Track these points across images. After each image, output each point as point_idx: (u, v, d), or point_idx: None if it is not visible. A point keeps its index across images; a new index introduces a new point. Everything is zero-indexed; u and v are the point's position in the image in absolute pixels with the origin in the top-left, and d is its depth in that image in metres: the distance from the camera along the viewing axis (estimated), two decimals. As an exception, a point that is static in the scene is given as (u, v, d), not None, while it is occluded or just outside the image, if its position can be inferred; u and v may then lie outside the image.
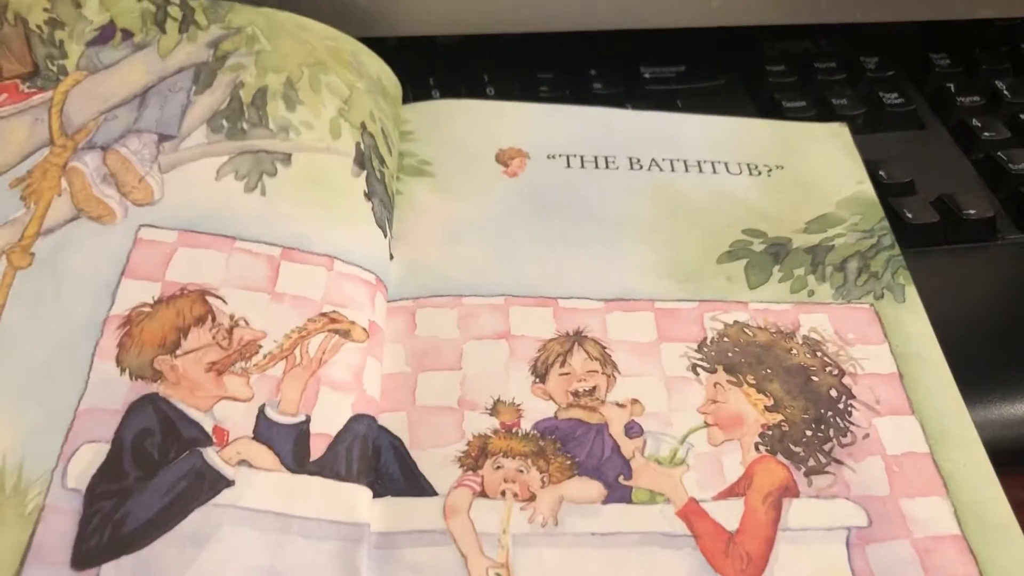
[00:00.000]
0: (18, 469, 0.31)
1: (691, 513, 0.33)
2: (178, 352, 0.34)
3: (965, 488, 0.34)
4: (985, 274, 0.45)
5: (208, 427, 0.33)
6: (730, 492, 0.34)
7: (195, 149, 0.39)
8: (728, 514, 0.33)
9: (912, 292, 0.41)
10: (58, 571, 0.29)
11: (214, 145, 0.39)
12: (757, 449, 0.36)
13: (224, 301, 0.36)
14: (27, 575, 0.29)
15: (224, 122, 0.40)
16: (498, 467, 0.34)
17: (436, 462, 0.35)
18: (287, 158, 0.40)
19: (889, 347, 0.39)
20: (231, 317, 0.35)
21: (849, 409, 0.37)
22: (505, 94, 0.53)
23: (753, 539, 0.33)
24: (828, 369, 0.38)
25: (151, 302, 0.35)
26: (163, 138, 0.39)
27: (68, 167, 0.38)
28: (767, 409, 0.37)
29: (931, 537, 0.33)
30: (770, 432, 0.36)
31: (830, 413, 0.37)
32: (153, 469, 0.31)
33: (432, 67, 0.54)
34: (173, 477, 0.31)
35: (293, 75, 0.42)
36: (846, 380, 0.38)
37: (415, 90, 0.51)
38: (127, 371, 0.33)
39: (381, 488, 0.33)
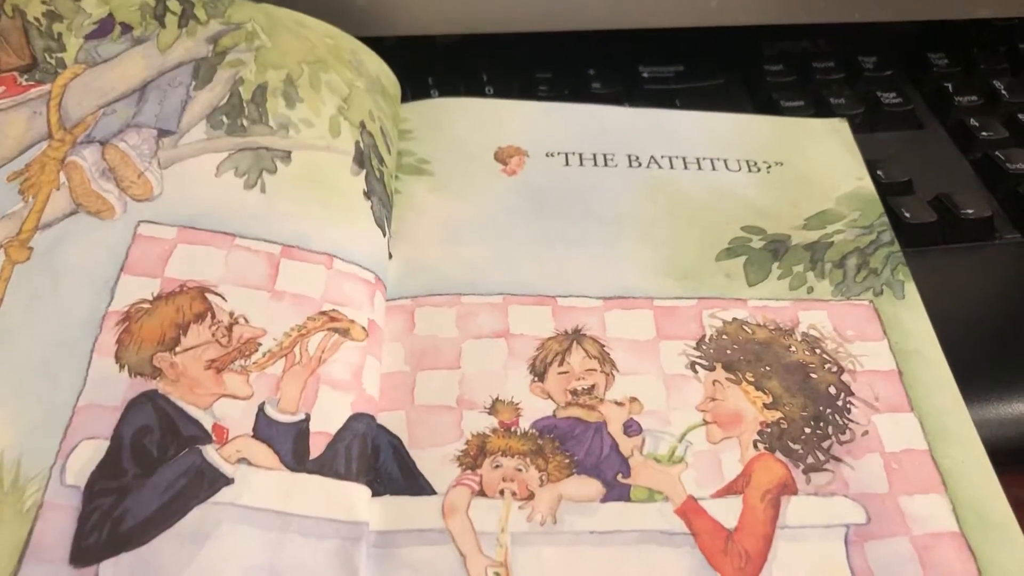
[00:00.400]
0: (16, 465, 0.30)
1: (689, 511, 0.33)
2: (177, 349, 0.34)
3: (964, 485, 0.34)
4: (983, 274, 0.45)
5: (207, 425, 0.32)
6: (729, 490, 0.34)
7: (195, 145, 0.39)
8: (727, 512, 0.33)
9: (911, 289, 0.41)
10: (56, 568, 0.29)
11: (214, 141, 0.39)
12: (756, 447, 0.36)
13: (223, 298, 0.36)
14: (25, 572, 0.28)
15: (224, 118, 0.40)
16: (497, 466, 0.34)
17: (435, 461, 0.34)
18: (287, 155, 0.40)
19: (888, 344, 0.39)
20: (231, 314, 0.35)
21: (848, 406, 0.37)
22: (504, 94, 0.53)
23: (751, 537, 0.33)
24: (827, 366, 0.38)
25: (150, 298, 0.35)
26: (162, 133, 0.39)
27: (67, 161, 0.37)
28: (766, 406, 0.37)
29: (930, 534, 0.33)
30: (769, 430, 0.36)
31: (829, 410, 0.37)
32: (152, 466, 0.31)
33: (431, 66, 0.54)
34: (172, 475, 0.31)
35: (293, 72, 0.42)
36: (845, 377, 0.38)
37: (414, 89, 0.51)
38: (126, 368, 0.33)
39: (380, 487, 0.33)
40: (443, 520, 0.33)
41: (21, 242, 0.35)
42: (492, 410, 0.36)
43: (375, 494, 0.33)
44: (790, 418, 0.36)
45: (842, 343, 0.39)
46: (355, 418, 0.34)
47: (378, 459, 0.34)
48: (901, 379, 0.38)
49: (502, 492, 0.34)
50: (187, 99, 0.40)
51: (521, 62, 0.55)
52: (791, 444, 0.36)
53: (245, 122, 0.40)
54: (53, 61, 0.40)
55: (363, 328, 0.36)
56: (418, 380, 0.37)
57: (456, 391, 0.37)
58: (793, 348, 0.39)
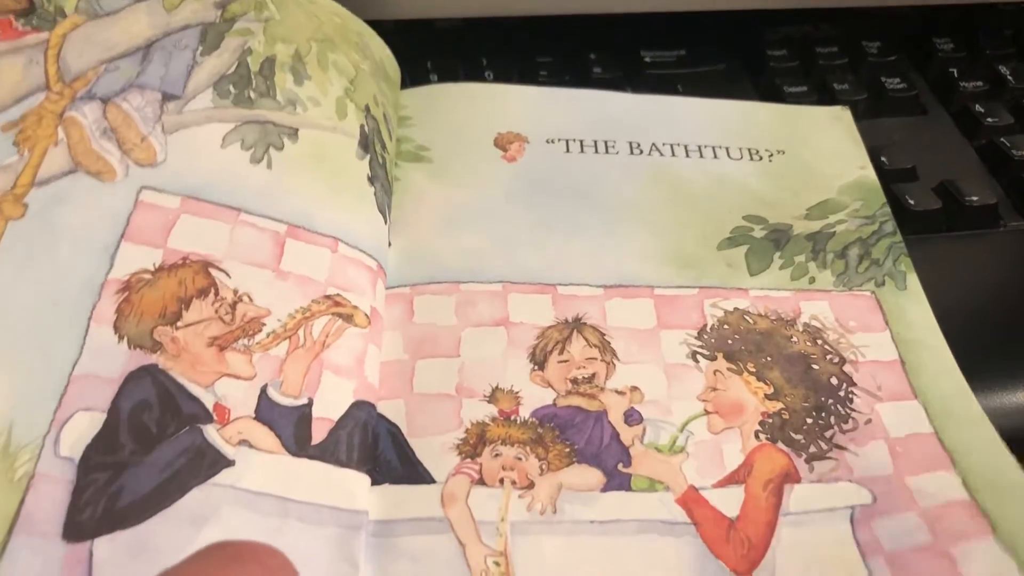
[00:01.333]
0: (7, 432, 0.29)
1: (691, 500, 0.33)
2: (179, 324, 0.33)
3: (973, 460, 0.34)
4: (987, 261, 0.45)
5: (209, 404, 0.32)
6: (730, 480, 0.34)
7: (200, 112, 0.38)
8: (728, 501, 0.33)
9: (913, 279, 0.41)
10: (48, 542, 0.28)
11: (220, 111, 0.38)
12: (757, 437, 0.35)
13: (227, 275, 0.35)
14: (15, 544, 0.28)
15: (231, 88, 0.39)
16: (496, 455, 0.34)
17: (434, 450, 0.34)
18: (294, 133, 0.39)
19: (890, 334, 0.39)
20: (234, 292, 0.34)
21: (850, 396, 0.37)
22: (504, 79, 0.52)
23: (754, 524, 0.33)
24: (829, 357, 0.38)
25: (152, 269, 0.34)
26: (167, 97, 0.38)
27: (65, 117, 0.36)
28: (767, 397, 0.37)
29: (939, 505, 0.33)
30: (770, 420, 0.36)
31: (831, 401, 0.36)
32: (151, 443, 0.30)
33: (430, 51, 0.53)
34: (172, 453, 0.30)
35: (301, 48, 0.41)
36: (847, 368, 0.38)
37: (412, 74, 0.51)
38: (125, 339, 0.32)
39: (379, 476, 0.33)
40: (442, 509, 0.32)
41: (16, 196, 0.34)
42: (492, 398, 0.36)
43: (374, 483, 0.33)
44: (791, 409, 0.36)
45: (844, 334, 0.39)
46: (357, 405, 0.34)
47: (377, 448, 0.34)
48: (904, 368, 0.38)
49: (502, 481, 0.33)
50: (193, 64, 0.39)
51: (521, 46, 0.54)
52: (793, 435, 0.35)
53: (252, 94, 0.39)
54: (52, 8, 0.38)
55: (366, 315, 0.36)
56: (417, 368, 0.37)
57: (455, 379, 0.36)
58: (795, 339, 0.39)
